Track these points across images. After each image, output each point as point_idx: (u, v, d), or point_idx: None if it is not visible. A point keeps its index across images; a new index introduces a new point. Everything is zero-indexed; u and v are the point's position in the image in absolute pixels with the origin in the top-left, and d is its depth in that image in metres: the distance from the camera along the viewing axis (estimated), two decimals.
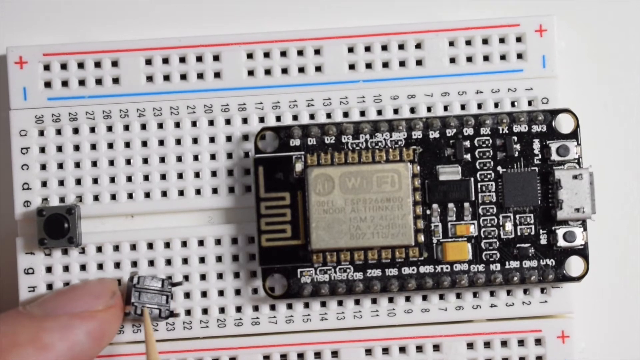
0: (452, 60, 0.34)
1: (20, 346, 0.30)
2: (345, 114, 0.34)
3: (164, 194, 0.34)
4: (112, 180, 0.34)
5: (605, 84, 0.36)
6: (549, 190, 0.33)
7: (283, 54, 0.34)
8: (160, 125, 0.34)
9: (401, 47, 0.34)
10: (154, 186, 0.34)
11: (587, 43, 0.36)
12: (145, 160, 0.34)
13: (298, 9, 0.35)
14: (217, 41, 0.34)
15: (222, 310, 0.34)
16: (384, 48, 0.34)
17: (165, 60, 0.34)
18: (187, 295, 0.34)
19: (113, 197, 0.34)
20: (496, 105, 0.34)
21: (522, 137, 0.33)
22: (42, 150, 0.34)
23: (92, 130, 0.34)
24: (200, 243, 0.34)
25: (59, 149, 0.34)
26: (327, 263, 0.33)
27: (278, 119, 0.34)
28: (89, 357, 0.31)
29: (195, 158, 0.34)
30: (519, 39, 0.34)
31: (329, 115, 0.34)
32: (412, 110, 0.34)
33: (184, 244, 0.34)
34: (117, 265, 0.34)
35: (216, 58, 0.34)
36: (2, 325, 0.30)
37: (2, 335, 0.30)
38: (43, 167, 0.34)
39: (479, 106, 0.34)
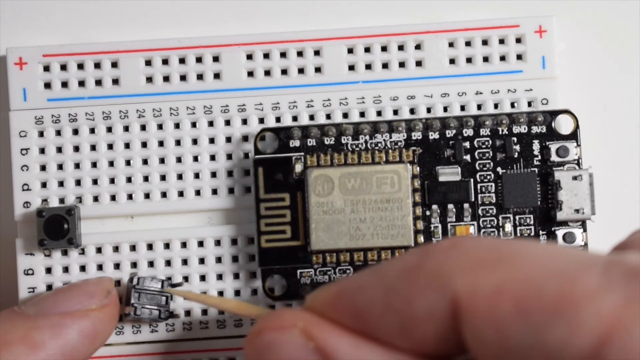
0: (452, 61, 0.34)
1: (12, 344, 0.30)
2: (345, 115, 0.34)
3: (164, 195, 0.34)
4: (112, 181, 0.34)
5: (605, 85, 0.36)
6: (549, 191, 0.33)
7: (283, 55, 0.34)
8: (160, 126, 0.34)
9: (401, 48, 0.34)
10: (154, 187, 0.34)
11: (586, 43, 0.36)
12: (145, 161, 0.34)
13: (298, 9, 0.35)
14: (216, 42, 0.34)
15: (221, 311, 0.34)
16: (384, 49, 0.34)
17: (165, 61, 0.34)
18: None
19: (113, 198, 0.34)
20: (496, 106, 0.34)
21: (522, 138, 0.33)
22: (42, 151, 0.34)
23: (92, 131, 0.34)
24: (200, 244, 0.34)
25: (59, 149, 0.34)
26: (327, 264, 0.33)
27: (278, 119, 0.34)
28: (82, 357, 0.31)
29: (195, 159, 0.34)
30: (518, 40, 0.34)
31: (328, 116, 0.34)
32: (412, 111, 0.34)
33: (184, 244, 0.34)
34: (117, 266, 0.34)
35: (216, 59, 0.34)
36: None
37: None
38: (43, 168, 0.34)
39: (479, 107, 0.34)
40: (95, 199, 0.34)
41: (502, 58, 0.34)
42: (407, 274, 0.24)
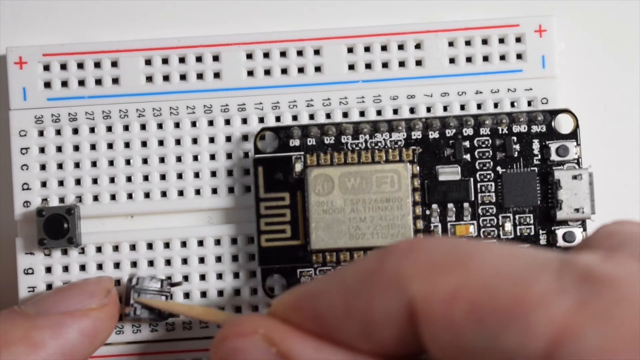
0: (452, 61, 0.34)
1: (12, 344, 0.30)
2: (345, 114, 0.34)
3: (164, 194, 0.34)
4: (112, 180, 0.34)
5: (605, 84, 0.36)
6: (549, 190, 0.33)
7: (283, 54, 0.34)
8: (160, 126, 0.34)
9: (401, 47, 0.34)
10: (154, 186, 0.34)
11: (586, 43, 0.36)
12: (145, 161, 0.34)
13: (298, 9, 0.35)
14: (216, 41, 0.34)
15: (221, 310, 0.34)
16: (384, 48, 0.34)
17: (165, 61, 0.34)
18: (186, 295, 0.34)
19: (113, 197, 0.34)
20: (496, 105, 0.34)
21: (522, 138, 0.33)
22: (42, 150, 0.34)
23: (92, 130, 0.34)
24: (200, 243, 0.34)
25: (59, 149, 0.34)
26: (327, 263, 0.33)
27: (277, 119, 0.34)
28: (82, 356, 0.31)
29: (195, 158, 0.34)
30: (518, 39, 0.34)
31: (328, 116, 0.34)
32: (412, 110, 0.34)
33: (184, 244, 0.34)
34: (117, 265, 0.34)
35: (216, 58, 0.34)
36: None
37: None
38: (43, 167, 0.34)
39: (479, 106, 0.34)
40: (95, 198, 0.34)
41: (502, 57, 0.34)
42: (365, 278, 0.24)
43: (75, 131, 0.34)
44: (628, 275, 0.22)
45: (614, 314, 0.22)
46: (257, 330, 0.25)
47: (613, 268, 0.23)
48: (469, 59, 0.34)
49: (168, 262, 0.34)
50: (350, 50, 0.34)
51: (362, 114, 0.34)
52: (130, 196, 0.34)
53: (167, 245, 0.34)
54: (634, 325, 0.21)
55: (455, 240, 0.25)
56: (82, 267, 0.34)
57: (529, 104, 0.34)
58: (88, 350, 0.31)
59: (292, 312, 0.25)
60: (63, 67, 0.34)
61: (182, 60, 0.34)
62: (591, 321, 0.22)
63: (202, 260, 0.34)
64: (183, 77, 0.34)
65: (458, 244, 0.24)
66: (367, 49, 0.34)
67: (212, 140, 0.34)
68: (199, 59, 0.34)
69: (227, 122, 0.34)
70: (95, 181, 0.34)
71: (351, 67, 0.34)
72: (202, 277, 0.34)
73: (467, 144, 0.33)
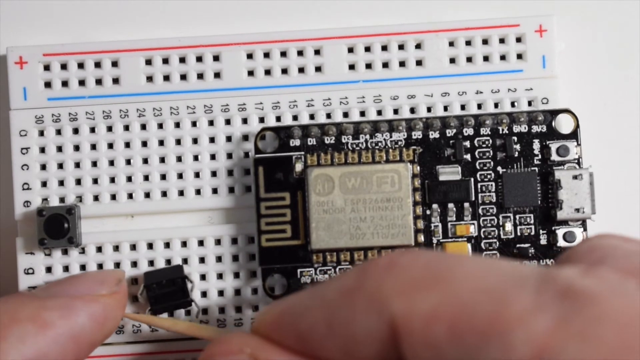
0: (452, 61, 0.34)
1: (20, 322, 0.29)
2: (345, 114, 0.34)
3: (164, 194, 0.34)
4: (112, 180, 0.34)
5: (606, 84, 0.36)
6: (549, 190, 0.33)
7: (283, 54, 0.34)
8: (160, 126, 0.34)
9: (401, 47, 0.34)
10: (154, 186, 0.34)
11: (587, 43, 0.36)
12: (145, 161, 0.34)
13: (298, 9, 0.35)
14: (217, 41, 0.34)
15: (221, 310, 0.34)
16: (384, 48, 0.34)
17: (165, 61, 0.34)
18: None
19: (113, 197, 0.34)
20: (496, 105, 0.34)
21: (522, 138, 0.33)
22: (42, 150, 0.34)
23: (92, 130, 0.34)
24: (200, 243, 0.34)
25: (59, 149, 0.34)
26: (327, 263, 0.33)
27: (278, 119, 0.34)
28: (89, 341, 0.31)
29: (195, 158, 0.34)
30: (518, 39, 0.34)
31: (329, 116, 0.34)
32: (412, 110, 0.34)
33: (184, 244, 0.34)
34: (117, 265, 0.34)
35: (216, 58, 0.34)
36: (3, 304, 0.30)
37: (3, 312, 0.30)
38: (43, 167, 0.34)
39: (479, 106, 0.34)
40: (96, 198, 0.34)
41: (503, 57, 0.34)
42: (345, 296, 0.24)
43: (76, 131, 0.34)
44: (608, 290, 0.22)
45: (594, 331, 0.22)
46: (242, 350, 0.26)
47: (593, 283, 0.22)
48: (469, 59, 0.34)
49: (168, 262, 0.34)
50: (350, 50, 0.34)
51: (362, 114, 0.34)
52: (130, 196, 0.34)
53: (167, 245, 0.34)
54: (614, 342, 0.21)
55: (434, 255, 0.24)
56: (83, 267, 0.34)
57: (530, 104, 0.34)
58: (96, 336, 0.31)
59: (274, 329, 0.26)
60: (63, 67, 0.34)
61: (182, 60, 0.34)
62: (571, 339, 0.22)
63: (202, 260, 0.34)
64: (183, 77, 0.34)
65: (437, 259, 0.24)
66: (367, 49, 0.34)
67: (212, 140, 0.34)
68: (199, 59, 0.34)
69: (228, 122, 0.34)
70: (95, 181, 0.34)
71: (352, 67, 0.34)
72: (203, 277, 0.34)
73: (467, 144, 0.33)
